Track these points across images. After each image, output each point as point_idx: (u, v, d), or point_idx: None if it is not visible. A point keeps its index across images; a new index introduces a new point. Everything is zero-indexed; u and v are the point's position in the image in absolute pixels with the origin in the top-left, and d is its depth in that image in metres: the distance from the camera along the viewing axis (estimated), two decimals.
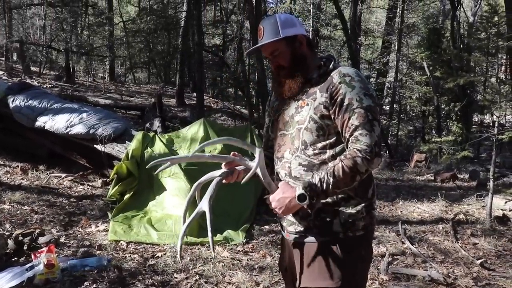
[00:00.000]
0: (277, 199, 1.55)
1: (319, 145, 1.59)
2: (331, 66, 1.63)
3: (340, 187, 1.51)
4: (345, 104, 1.52)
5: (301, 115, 1.61)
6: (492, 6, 11.40)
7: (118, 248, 3.67)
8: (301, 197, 1.50)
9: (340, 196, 1.59)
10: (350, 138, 1.52)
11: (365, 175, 1.52)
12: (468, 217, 5.07)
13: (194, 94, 14.13)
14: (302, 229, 1.65)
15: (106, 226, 4.10)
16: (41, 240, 3.51)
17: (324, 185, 1.49)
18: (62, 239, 3.71)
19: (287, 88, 1.66)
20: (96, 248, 3.61)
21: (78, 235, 3.88)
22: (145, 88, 17.50)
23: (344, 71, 1.58)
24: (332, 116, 1.56)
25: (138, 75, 23.43)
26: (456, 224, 4.81)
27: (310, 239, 1.63)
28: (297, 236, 1.67)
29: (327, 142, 1.58)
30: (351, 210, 1.59)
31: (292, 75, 1.64)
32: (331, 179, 1.48)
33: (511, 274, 3.55)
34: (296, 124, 1.62)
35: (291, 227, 1.69)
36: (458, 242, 4.28)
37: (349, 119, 1.51)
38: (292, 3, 17.44)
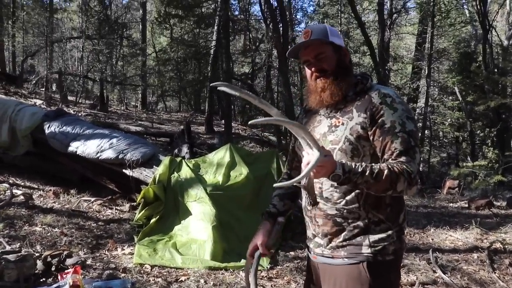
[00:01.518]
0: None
1: None
2: (368, 84, 1.59)
3: (369, 188, 1.44)
4: (386, 126, 1.48)
5: (336, 134, 1.55)
6: None
7: (142, 272, 3.68)
8: (336, 173, 1.37)
9: (371, 220, 1.54)
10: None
11: (395, 194, 1.46)
12: (506, 246, 4.80)
13: (223, 121, 14.32)
14: (330, 251, 1.60)
15: (131, 250, 4.14)
16: (69, 261, 3.56)
17: (359, 178, 1.39)
18: (88, 261, 3.76)
19: (328, 94, 1.57)
20: (121, 271, 3.64)
21: (104, 258, 3.92)
22: (176, 116, 17.89)
23: (384, 91, 1.55)
24: (371, 137, 1.51)
25: (169, 103, 24.09)
26: (492, 253, 4.57)
27: (338, 261, 1.58)
28: (324, 258, 1.62)
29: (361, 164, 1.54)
30: (382, 234, 1.55)
31: (336, 79, 1.57)
32: (370, 179, 1.39)
33: None
34: (330, 143, 1.55)
35: (318, 249, 1.64)
36: (495, 272, 4.05)
37: (391, 142, 1.47)
38: None
